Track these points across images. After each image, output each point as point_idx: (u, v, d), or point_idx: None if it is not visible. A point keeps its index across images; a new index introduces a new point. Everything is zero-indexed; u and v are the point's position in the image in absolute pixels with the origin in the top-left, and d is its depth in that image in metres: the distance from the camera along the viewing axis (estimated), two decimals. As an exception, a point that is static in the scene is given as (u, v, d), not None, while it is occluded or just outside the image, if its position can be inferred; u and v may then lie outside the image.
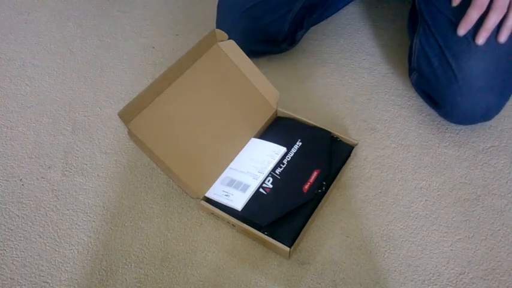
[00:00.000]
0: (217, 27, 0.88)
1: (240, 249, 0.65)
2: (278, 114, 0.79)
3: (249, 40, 0.82)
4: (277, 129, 0.76)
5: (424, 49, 0.74)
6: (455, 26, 0.67)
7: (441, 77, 0.70)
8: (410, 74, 0.81)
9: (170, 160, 0.64)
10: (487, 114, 0.72)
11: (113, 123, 0.82)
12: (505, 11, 0.62)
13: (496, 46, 0.66)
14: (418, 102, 0.83)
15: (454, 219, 0.67)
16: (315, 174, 0.68)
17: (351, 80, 0.88)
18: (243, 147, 0.73)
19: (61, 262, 0.64)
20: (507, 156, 0.74)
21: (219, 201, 0.66)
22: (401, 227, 0.66)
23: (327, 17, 0.93)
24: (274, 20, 0.84)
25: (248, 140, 0.73)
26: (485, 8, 0.62)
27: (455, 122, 0.76)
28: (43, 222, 0.69)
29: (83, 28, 1.03)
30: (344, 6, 0.94)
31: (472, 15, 0.64)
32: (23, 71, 0.93)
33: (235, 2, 0.83)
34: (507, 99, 0.71)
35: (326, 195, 0.67)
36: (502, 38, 0.65)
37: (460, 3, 0.66)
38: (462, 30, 0.66)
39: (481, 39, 0.65)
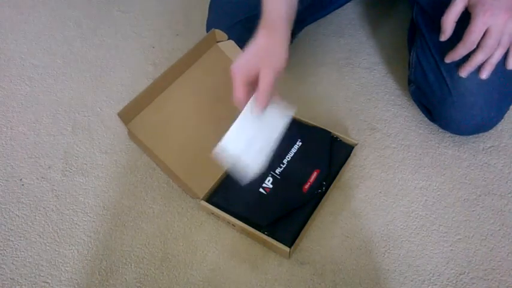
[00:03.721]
0: (207, 30, 0.87)
1: (240, 249, 0.65)
2: (278, 114, 0.78)
3: (240, 46, 0.81)
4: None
5: (420, 62, 0.74)
6: (450, 40, 0.66)
7: (436, 91, 0.70)
8: (408, 84, 0.81)
9: (170, 160, 0.64)
10: (483, 127, 0.72)
11: (113, 123, 0.82)
12: (492, 51, 0.62)
13: None
14: (418, 102, 0.83)
15: (454, 219, 0.67)
16: (315, 174, 0.68)
17: (351, 80, 0.88)
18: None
19: (61, 262, 0.64)
20: (507, 156, 0.74)
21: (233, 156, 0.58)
22: (401, 227, 0.66)
23: (318, 19, 0.93)
24: None
25: None
26: (475, 46, 0.62)
27: (452, 133, 0.76)
28: (43, 222, 0.69)
29: (83, 28, 1.03)
30: (334, 10, 0.93)
31: (461, 51, 0.64)
32: (23, 71, 0.93)
33: (228, 11, 0.81)
34: (504, 112, 0.71)
35: (326, 195, 0.67)
36: (484, 74, 0.64)
37: (457, 20, 0.65)
38: (448, 60, 0.66)
39: (464, 72, 0.65)
